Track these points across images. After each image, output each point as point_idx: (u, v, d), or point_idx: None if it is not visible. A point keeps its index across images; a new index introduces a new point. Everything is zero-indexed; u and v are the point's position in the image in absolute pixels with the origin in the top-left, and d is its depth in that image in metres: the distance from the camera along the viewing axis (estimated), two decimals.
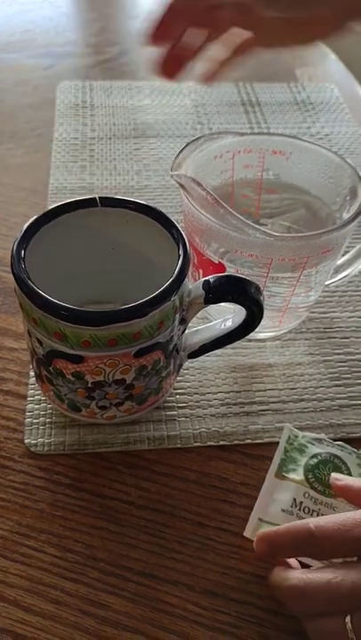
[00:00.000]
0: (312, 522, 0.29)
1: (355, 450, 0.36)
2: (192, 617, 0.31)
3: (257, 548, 0.31)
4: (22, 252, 0.31)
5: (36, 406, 0.39)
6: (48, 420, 0.38)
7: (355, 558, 0.29)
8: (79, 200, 0.35)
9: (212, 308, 0.38)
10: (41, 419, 0.38)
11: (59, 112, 0.64)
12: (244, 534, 0.33)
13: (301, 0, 0.39)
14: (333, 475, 0.33)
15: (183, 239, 0.32)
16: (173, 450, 0.37)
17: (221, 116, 0.64)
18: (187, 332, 0.36)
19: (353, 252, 0.43)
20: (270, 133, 0.57)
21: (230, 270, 0.37)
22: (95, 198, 0.35)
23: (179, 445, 0.37)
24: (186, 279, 0.31)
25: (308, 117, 0.65)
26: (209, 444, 0.38)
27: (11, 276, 0.31)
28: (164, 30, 0.42)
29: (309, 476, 0.34)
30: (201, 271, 0.40)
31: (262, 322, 0.35)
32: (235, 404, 0.40)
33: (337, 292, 0.47)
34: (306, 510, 0.33)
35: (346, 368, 0.42)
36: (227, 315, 0.37)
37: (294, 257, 0.35)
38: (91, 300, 0.39)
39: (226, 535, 0.34)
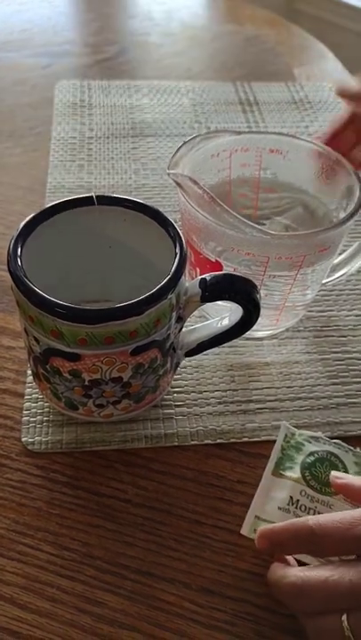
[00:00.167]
0: (312, 519, 0.29)
1: (351, 448, 0.36)
2: (188, 615, 0.31)
3: (257, 543, 0.31)
4: (19, 249, 0.31)
5: (34, 404, 0.39)
6: (45, 418, 0.38)
7: (353, 556, 0.29)
8: (76, 198, 0.35)
9: (210, 306, 0.39)
10: (38, 417, 0.38)
11: (57, 111, 0.64)
12: (241, 532, 0.33)
13: None
14: (333, 473, 0.33)
15: (180, 237, 0.32)
16: (171, 448, 0.37)
17: (219, 116, 0.64)
18: (184, 330, 0.36)
19: (350, 250, 0.43)
20: (267, 132, 0.57)
21: (227, 269, 0.37)
22: (92, 197, 0.35)
23: (176, 443, 0.37)
24: (182, 277, 0.31)
25: (305, 116, 0.65)
26: (206, 442, 0.38)
27: (8, 274, 0.31)
28: (335, 140, 0.43)
29: (306, 474, 0.34)
30: (198, 269, 0.40)
31: (259, 320, 0.35)
32: (232, 403, 0.40)
33: (334, 290, 0.47)
34: (303, 508, 0.33)
35: (343, 366, 0.42)
36: (224, 313, 0.37)
37: (291, 255, 0.35)
38: (88, 299, 0.39)
39: (222, 533, 0.34)
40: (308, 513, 0.33)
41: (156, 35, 0.80)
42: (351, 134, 0.44)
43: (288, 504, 0.33)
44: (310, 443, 0.36)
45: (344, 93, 0.47)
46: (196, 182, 0.35)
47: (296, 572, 0.29)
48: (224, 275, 0.33)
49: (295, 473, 0.35)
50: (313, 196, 0.41)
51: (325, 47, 0.80)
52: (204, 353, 0.38)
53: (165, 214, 0.34)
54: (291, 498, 0.33)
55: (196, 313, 0.35)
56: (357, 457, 0.36)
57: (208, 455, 0.37)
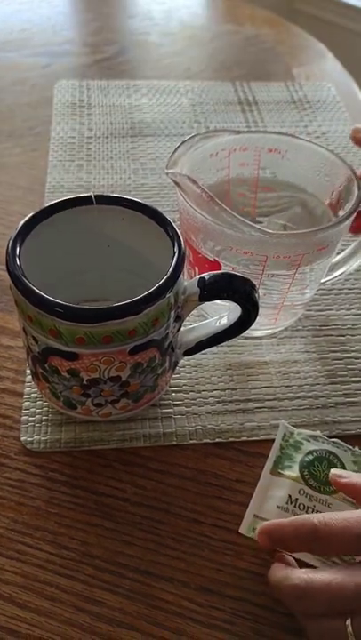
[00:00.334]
0: (316, 517, 0.28)
1: (350, 447, 0.36)
2: (187, 613, 0.31)
3: (259, 539, 0.31)
4: (17, 249, 0.31)
5: (33, 404, 0.39)
6: (44, 417, 0.38)
7: (358, 559, 0.29)
8: (75, 198, 0.35)
9: (208, 305, 0.39)
10: (37, 416, 0.38)
11: (56, 111, 0.64)
12: (240, 531, 0.33)
13: None
14: (334, 471, 0.33)
15: (178, 237, 0.33)
16: (169, 447, 0.37)
17: (218, 115, 0.64)
18: (182, 329, 0.36)
19: (349, 249, 0.43)
20: (265, 131, 0.57)
21: (226, 268, 0.37)
22: (91, 196, 0.35)
23: (175, 443, 0.37)
24: (181, 276, 0.31)
25: (305, 116, 0.65)
26: (205, 441, 0.38)
27: (6, 273, 0.31)
28: None
29: (305, 473, 0.34)
30: (197, 269, 0.40)
31: (258, 319, 0.35)
32: (231, 402, 0.40)
33: (333, 289, 0.47)
34: (301, 507, 0.33)
35: (342, 365, 0.42)
36: (222, 312, 0.37)
37: (289, 254, 0.35)
38: (87, 298, 0.39)
39: (221, 532, 0.34)
40: (307, 512, 0.33)
41: (155, 34, 0.80)
42: None
43: (287, 503, 0.33)
44: (309, 442, 0.36)
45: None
46: (194, 181, 0.35)
47: (299, 573, 0.28)
48: (223, 274, 0.33)
49: (294, 472, 0.35)
50: (311, 194, 0.41)
51: (325, 47, 0.80)
52: (203, 352, 0.38)
53: (164, 214, 0.34)
54: (289, 497, 0.33)
55: (194, 312, 0.35)
56: (356, 456, 0.36)
57: (207, 454, 0.37)
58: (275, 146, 0.42)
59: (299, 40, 0.83)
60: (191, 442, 0.38)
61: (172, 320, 0.32)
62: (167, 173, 0.36)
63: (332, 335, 0.44)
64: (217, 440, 0.38)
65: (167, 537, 0.34)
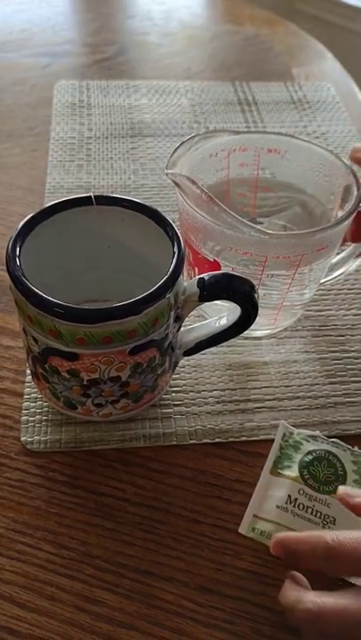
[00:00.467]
0: (330, 534, 0.28)
1: (349, 447, 0.36)
2: (187, 613, 0.31)
3: (273, 550, 0.30)
4: (17, 249, 0.32)
5: (33, 404, 0.39)
6: (44, 417, 0.38)
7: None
8: (75, 198, 0.35)
9: (208, 306, 0.39)
10: (37, 416, 0.38)
11: (56, 111, 0.64)
12: (239, 531, 0.33)
13: None
14: (343, 490, 0.31)
15: (178, 237, 0.33)
16: (169, 447, 0.37)
17: (218, 116, 0.65)
18: (182, 329, 0.36)
19: (348, 250, 0.43)
20: (265, 132, 0.57)
21: (225, 268, 0.37)
22: (91, 196, 0.35)
23: (174, 443, 0.38)
24: (180, 277, 0.31)
25: (304, 116, 0.65)
26: (205, 441, 0.38)
27: (6, 274, 0.31)
28: None
29: (304, 473, 0.34)
30: (196, 269, 0.40)
31: (258, 319, 0.35)
32: (230, 402, 0.40)
33: (332, 290, 0.47)
34: (301, 507, 0.33)
35: (341, 366, 0.42)
36: (222, 313, 0.37)
37: (289, 255, 0.36)
38: (87, 298, 0.39)
39: (221, 532, 0.34)
40: (307, 512, 0.33)
41: (155, 34, 0.80)
42: None
43: (286, 503, 0.33)
44: (308, 442, 0.36)
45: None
46: (193, 182, 0.35)
47: (312, 597, 0.27)
48: (222, 274, 0.34)
49: (293, 472, 0.35)
50: (311, 195, 0.42)
51: (324, 47, 0.80)
52: (203, 352, 0.38)
53: (164, 214, 0.34)
54: (289, 497, 0.34)
55: (194, 312, 0.35)
56: (355, 456, 0.36)
57: (206, 454, 0.37)
58: (274, 146, 0.42)
59: (298, 40, 0.83)
60: (191, 442, 0.38)
61: (171, 320, 0.32)
62: (167, 174, 0.36)
63: (331, 335, 0.44)
64: (217, 440, 0.38)
65: (167, 537, 0.34)
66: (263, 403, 0.40)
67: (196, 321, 0.40)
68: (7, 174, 0.57)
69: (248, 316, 0.34)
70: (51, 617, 0.31)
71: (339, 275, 0.43)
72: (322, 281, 0.43)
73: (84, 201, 0.35)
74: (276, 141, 0.42)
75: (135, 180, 0.56)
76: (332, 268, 0.43)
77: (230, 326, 0.36)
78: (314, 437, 0.37)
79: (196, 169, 0.39)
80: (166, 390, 0.40)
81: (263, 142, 0.42)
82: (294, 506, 0.33)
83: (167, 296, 0.30)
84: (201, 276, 0.33)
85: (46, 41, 0.77)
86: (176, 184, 0.36)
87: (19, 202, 0.54)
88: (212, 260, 0.38)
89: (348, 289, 0.47)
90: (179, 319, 0.34)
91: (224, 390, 0.40)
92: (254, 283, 0.33)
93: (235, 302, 0.33)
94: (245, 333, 0.36)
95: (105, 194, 0.35)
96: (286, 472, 0.35)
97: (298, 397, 0.40)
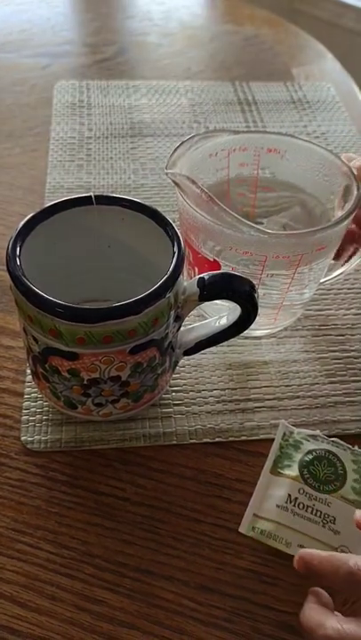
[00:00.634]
0: (353, 560, 0.27)
1: (349, 446, 0.36)
2: (187, 612, 0.31)
3: (296, 564, 0.29)
4: (17, 249, 0.32)
5: (33, 404, 0.39)
6: (44, 417, 0.38)
7: None
8: (75, 198, 0.35)
9: (208, 305, 0.39)
10: (37, 416, 0.38)
11: (56, 111, 0.64)
12: (239, 530, 0.33)
13: None
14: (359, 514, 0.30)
15: (178, 237, 0.33)
16: (169, 447, 0.38)
17: (218, 115, 0.65)
18: (182, 329, 0.36)
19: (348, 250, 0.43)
20: (265, 131, 0.57)
21: (225, 268, 0.37)
22: (91, 196, 0.35)
23: (175, 442, 0.38)
24: (180, 277, 0.31)
25: (304, 116, 0.65)
26: (205, 440, 0.38)
27: (7, 274, 0.31)
28: None
29: (304, 473, 0.34)
30: (196, 269, 0.40)
31: (257, 319, 0.35)
32: (230, 401, 0.40)
33: (332, 289, 0.47)
34: (300, 506, 0.33)
35: (341, 365, 0.42)
36: (222, 312, 0.37)
37: (289, 254, 0.36)
38: (87, 298, 0.39)
39: (221, 531, 0.34)
40: (307, 511, 0.33)
41: (154, 35, 0.80)
42: None
43: (286, 502, 0.33)
44: (308, 441, 0.36)
45: None
46: (193, 182, 0.35)
47: (333, 622, 0.27)
48: (222, 274, 0.34)
49: (293, 471, 0.35)
50: (310, 194, 0.42)
51: (324, 47, 0.80)
52: (203, 352, 0.38)
53: (164, 214, 0.34)
54: (289, 496, 0.34)
55: (194, 312, 0.35)
56: (355, 455, 0.36)
57: (207, 454, 0.37)
58: (274, 146, 0.42)
59: (298, 40, 0.83)
60: (191, 441, 0.38)
61: (171, 320, 0.32)
62: (167, 173, 0.36)
63: (331, 335, 0.44)
64: (217, 439, 0.38)
65: (167, 536, 0.34)
66: (263, 402, 0.40)
67: (196, 321, 0.40)
68: (7, 174, 0.57)
69: (248, 315, 0.34)
70: (51, 616, 0.31)
71: (339, 274, 0.43)
72: (322, 280, 0.43)
73: (84, 201, 0.35)
74: (275, 141, 0.42)
75: (135, 179, 0.56)
76: (332, 267, 0.43)
77: (230, 326, 0.36)
78: (314, 437, 0.37)
79: (195, 169, 0.39)
80: (166, 390, 0.40)
81: (263, 142, 0.42)
82: (294, 505, 0.33)
83: (167, 296, 0.30)
84: (201, 275, 0.33)
85: (46, 41, 0.77)
86: (176, 184, 0.36)
87: (19, 202, 0.54)
88: (212, 259, 0.38)
89: (348, 288, 0.47)
90: (179, 319, 0.34)
91: (224, 390, 0.40)
92: (254, 282, 0.33)
93: (235, 302, 0.33)
94: (245, 333, 0.36)
95: (105, 194, 0.35)
96: (286, 471, 0.35)
97: (298, 397, 0.40)
